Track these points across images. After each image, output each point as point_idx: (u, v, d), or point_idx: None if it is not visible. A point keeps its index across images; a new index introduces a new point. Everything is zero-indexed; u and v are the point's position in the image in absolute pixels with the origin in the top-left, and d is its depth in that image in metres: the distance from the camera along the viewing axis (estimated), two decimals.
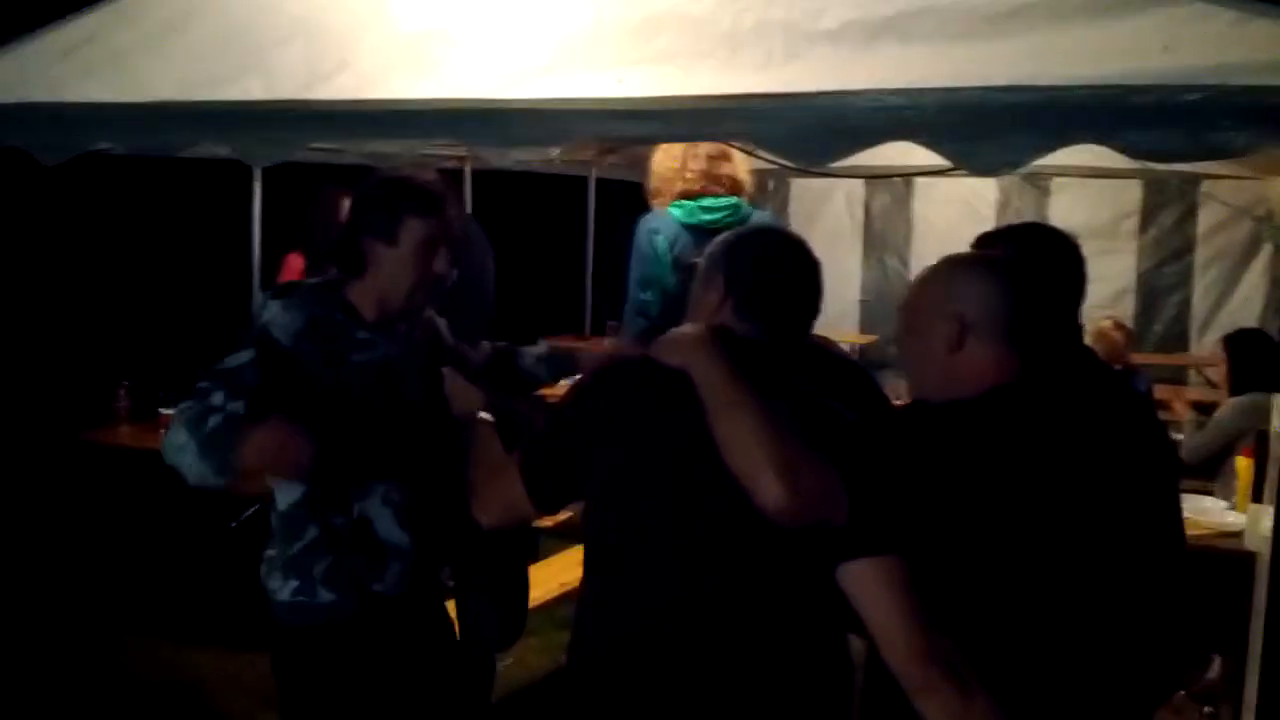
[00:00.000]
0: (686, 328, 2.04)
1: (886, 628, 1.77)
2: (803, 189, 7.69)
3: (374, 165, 4.32)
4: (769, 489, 1.80)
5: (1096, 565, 1.87)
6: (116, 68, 3.00)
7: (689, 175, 3.70)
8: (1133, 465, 1.97)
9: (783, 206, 7.77)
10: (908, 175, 7.12)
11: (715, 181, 3.71)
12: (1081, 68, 2.04)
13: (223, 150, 2.91)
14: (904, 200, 7.54)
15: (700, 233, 3.66)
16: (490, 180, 6.36)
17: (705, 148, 3.70)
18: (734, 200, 3.73)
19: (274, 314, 2.47)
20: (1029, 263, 2.03)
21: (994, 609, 1.83)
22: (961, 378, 1.90)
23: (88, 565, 5.55)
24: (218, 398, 2.41)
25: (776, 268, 2.07)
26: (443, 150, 5.27)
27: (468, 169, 6.15)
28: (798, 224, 7.65)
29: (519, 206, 5.65)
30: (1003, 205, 7.27)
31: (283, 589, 2.52)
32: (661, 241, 3.64)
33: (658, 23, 2.38)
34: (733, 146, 3.71)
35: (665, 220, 3.73)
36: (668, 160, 3.77)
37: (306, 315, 2.47)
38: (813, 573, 1.86)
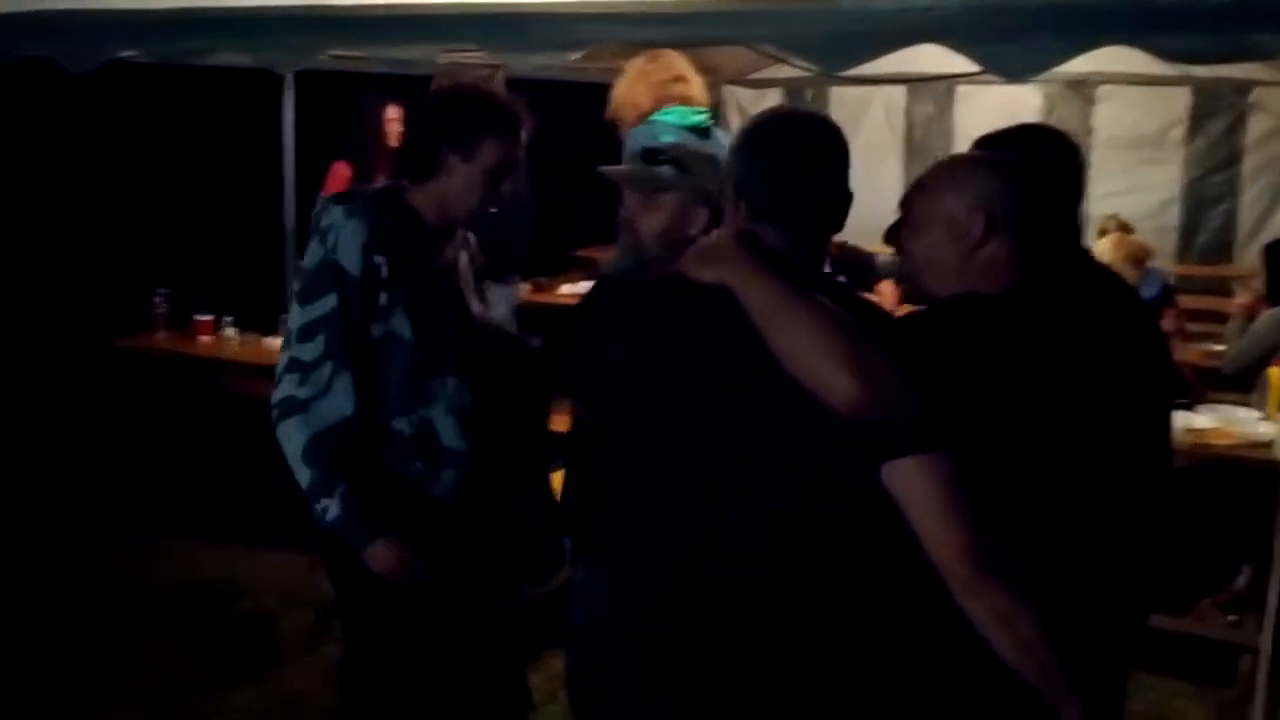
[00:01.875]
0: (715, 235, 1.94)
1: (936, 526, 1.73)
2: (841, 99, 7.50)
3: (404, 74, 4.30)
4: (839, 384, 1.69)
5: (1109, 468, 1.88)
6: None
7: (641, 99, 3.80)
8: (1131, 366, 1.97)
9: None
10: (935, 80, 6.91)
11: (669, 100, 3.81)
12: None
13: (243, 59, 2.88)
14: (945, 109, 7.36)
15: (699, 133, 3.73)
16: (522, 89, 6.28)
17: (660, 72, 3.77)
18: (701, 109, 3.84)
19: (338, 223, 2.48)
20: (1032, 164, 1.99)
21: (1031, 509, 1.82)
22: (979, 275, 1.88)
23: (121, 470, 5.65)
24: (326, 376, 2.47)
25: (784, 161, 1.91)
26: (474, 59, 5.21)
27: (500, 77, 6.08)
28: None
29: (551, 115, 5.60)
30: (1047, 113, 7.07)
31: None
32: (669, 139, 3.66)
33: None
34: (690, 72, 3.80)
35: (662, 126, 3.79)
36: (619, 89, 3.86)
37: (370, 225, 2.48)
38: (860, 502, 1.80)
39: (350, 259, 2.47)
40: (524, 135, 2.62)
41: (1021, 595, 1.73)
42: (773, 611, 1.86)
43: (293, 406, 2.49)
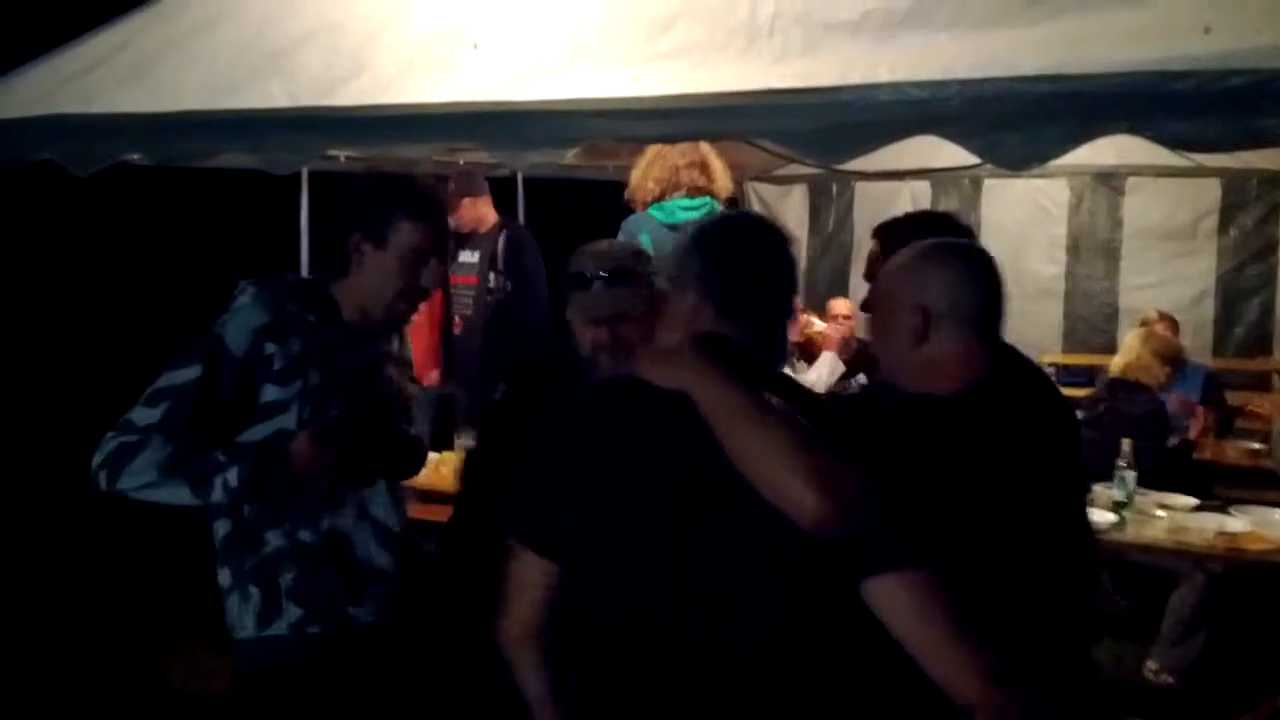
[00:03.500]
0: (671, 341, 1.85)
1: (938, 648, 1.59)
2: (867, 194, 7.50)
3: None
4: (804, 500, 1.57)
5: (1052, 563, 1.88)
6: (142, 77, 2.98)
7: (650, 184, 3.81)
8: (1058, 459, 1.96)
9: (847, 211, 7.60)
10: (955, 172, 6.87)
11: (677, 188, 3.81)
12: (1115, 53, 1.91)
13: (245, 160, 2.87)
14: (972, 202, 7.28)
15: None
16: (543, 188, 6.31)
17: (676, 156, 3.77)
18: (707, 199, 3.82)
19: (241, 306, 2.28)
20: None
21: (1013, 612, 1.76)
22: (933, 371, 1.87)
23: (127, 583, 5.54)
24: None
25: (752, 258, 1.85)
26: (478, 157, 5.22)
27: (520, 177, 6.11)
28: (862, 229, 7.49)
29: (572, 214, 5.62)
30: (1075, 206, 7.02)
31: (244, 618, 2.31)
32: (646, 240, 3.65)
33: (672, 17, 2.31)
34: (711, 157, 3.79)
35: (647, 220, 3.80)
36: (636, 170, 3.87)
37: (273, 311, 2.27)
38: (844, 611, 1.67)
39: (237, 339, 2.23)
40: (443, 222, 2.42)
41: (1042, 711, 1.60)
42: None
43: (123, 454, 2.18)
